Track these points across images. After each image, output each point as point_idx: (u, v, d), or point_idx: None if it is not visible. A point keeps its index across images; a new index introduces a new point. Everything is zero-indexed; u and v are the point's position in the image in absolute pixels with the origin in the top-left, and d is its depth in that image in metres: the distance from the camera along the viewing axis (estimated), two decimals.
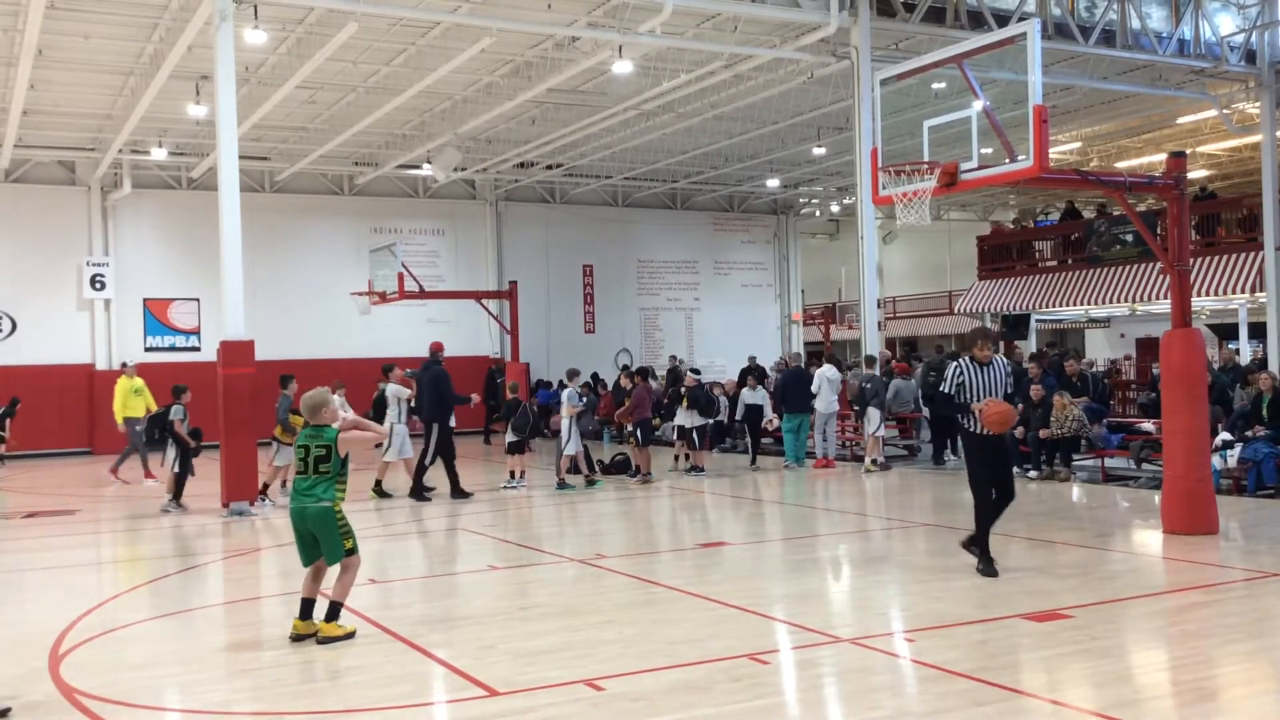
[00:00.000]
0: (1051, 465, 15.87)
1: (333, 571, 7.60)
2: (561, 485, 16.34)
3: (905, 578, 9.58)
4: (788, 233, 36.27)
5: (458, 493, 15.40)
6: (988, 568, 8.99)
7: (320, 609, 7.56)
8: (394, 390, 16.04)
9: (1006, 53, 11.30)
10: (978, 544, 9.19)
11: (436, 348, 16.57)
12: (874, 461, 17.79)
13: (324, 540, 7.45)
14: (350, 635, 7.45)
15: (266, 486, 15.10)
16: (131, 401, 18.61)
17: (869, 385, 17.84)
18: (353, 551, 7.51)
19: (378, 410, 16.16)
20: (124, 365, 20.47)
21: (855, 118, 18.67)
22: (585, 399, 16.73)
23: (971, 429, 9.15)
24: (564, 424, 16.61)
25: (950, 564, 10.22)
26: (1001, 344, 23.35)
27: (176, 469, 14.79)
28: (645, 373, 18.73)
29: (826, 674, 6.61)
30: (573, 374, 17.91)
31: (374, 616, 8.04)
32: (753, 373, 20.98)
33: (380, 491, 15.72)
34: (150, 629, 8.23)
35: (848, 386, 18.90)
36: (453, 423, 16.14)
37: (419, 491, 15.43)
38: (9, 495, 17.49)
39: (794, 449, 18.65)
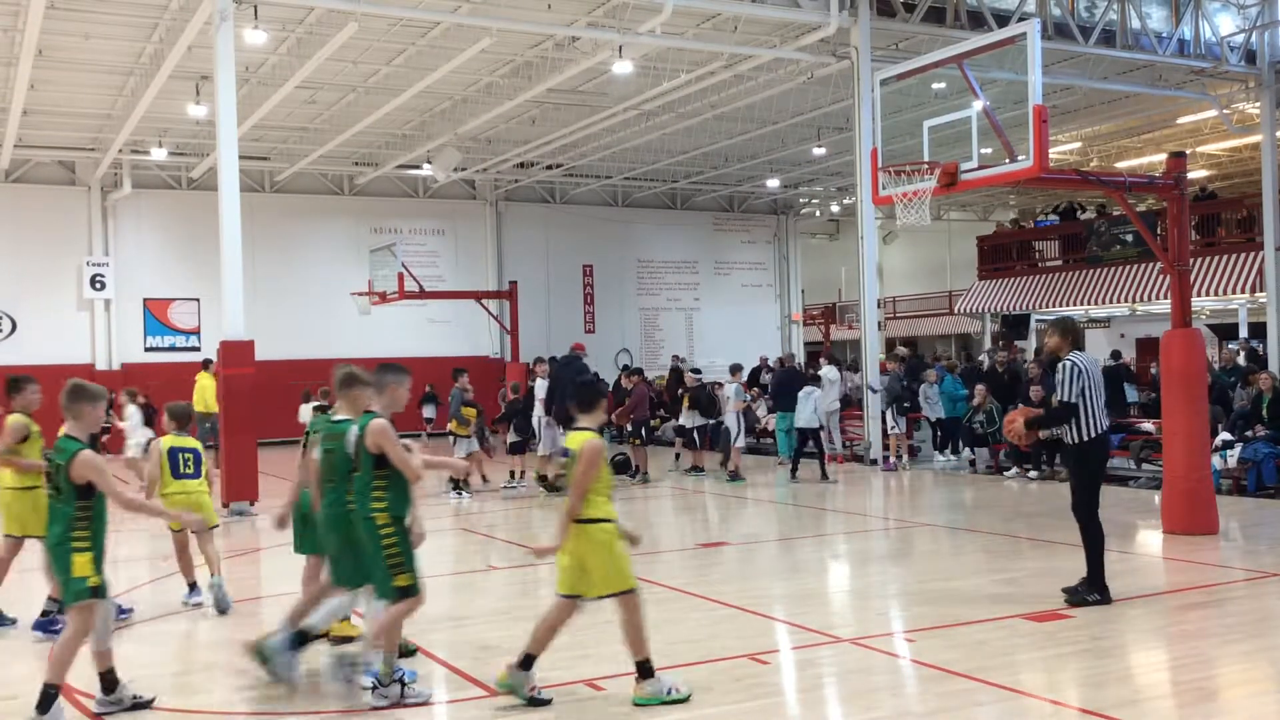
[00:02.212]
0: (1052, 465, 15.88)
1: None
2: (734, 478, 16.68)
3: (905, 578, 9.58)
4: (788, 233, 36.26)
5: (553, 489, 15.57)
6: (1104, 595, 8.04)
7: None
8: (540, 386, 16.23)
9: (1006, 53, 11.31)
10: (1100, 586, 8.05)
11: (578, 348, 16.93)
12: (898, 458, 18.10)
13: (297, 531, 7.46)
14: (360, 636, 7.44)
15: (461, 481, 15.34)
16: (209, 398, 18.68)
17: (905, 385, 17.98)
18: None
19: (528, 403, 16.51)
20: (207, 362, 20.07)
21: (855, 118, 18.66)
22: (749, 395, 17.21)
23: (1086, 437, 8.05)
24: (730, 418, 16.96)
25: (950, 564, 10.23)
26: (1002, 344, 23.30)
27: None
28: (639, 373, 18.84)
29: (826, 674, 6.61)
30: (735, 369, 18.25)
31: None
32: (817, 378, 19.53)
33: (549, 486, 15.77)
34: (149, 629, 8.22)
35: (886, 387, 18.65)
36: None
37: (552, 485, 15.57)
38: None
39: (786, 447, 18.79)
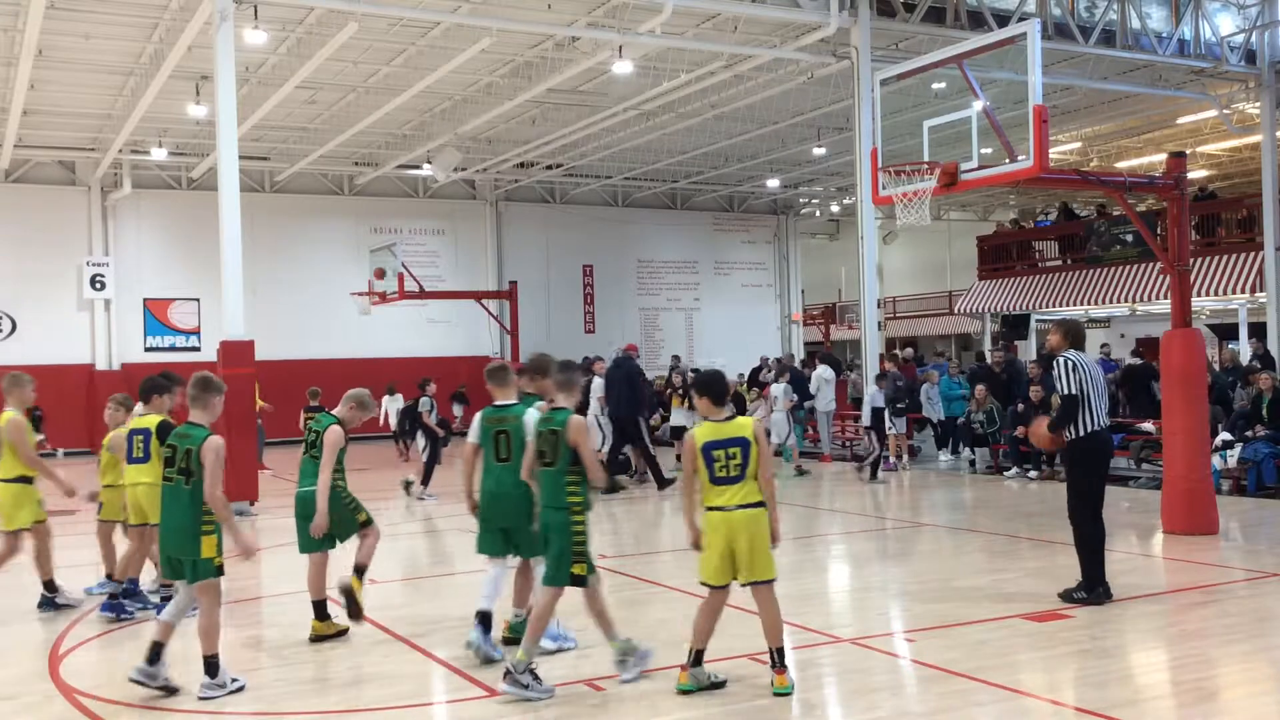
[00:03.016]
0: (1052, 465, 15.88)
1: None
2: (800, 472, 17.15)
3: (905, 578, 9.59)
4: (788, 233, 36.25)
5: (663, 482, 15.79)
6: (1106, 590, 8.10)
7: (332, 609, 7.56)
8: (598, 384, 16.28)
9: (1006, 53, 11.32)
10: (1089, 583, 8.10)
11: (631, 349, 17.09)
12: (898, 458, 18.05)
13: (300, 527, 7.47)
14: (343, 632, 7.47)
15: None
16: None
17: (901, 385, 17.94)
18: (325, 545, 7.47)
19: (584, 401, 16.66)
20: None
21: (855, 118, 18.65)
22: (795, 395, 17.82)
23: (1083, 433, 8.16)
24: (777, 417, 17.25)
25: (951, 564, 10.23)
26: (1003, 344, 23.30)
27: (426, 458, 15.39)
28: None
29: (826, 674, 6.62)
30: (784, 369, 18.54)
31: (374, 616, 8.04)
32: (883, 375, 18.40)
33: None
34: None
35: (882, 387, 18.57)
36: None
37: (614, 483, 15.73)
38: None
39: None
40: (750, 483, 6.02)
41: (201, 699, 6.23)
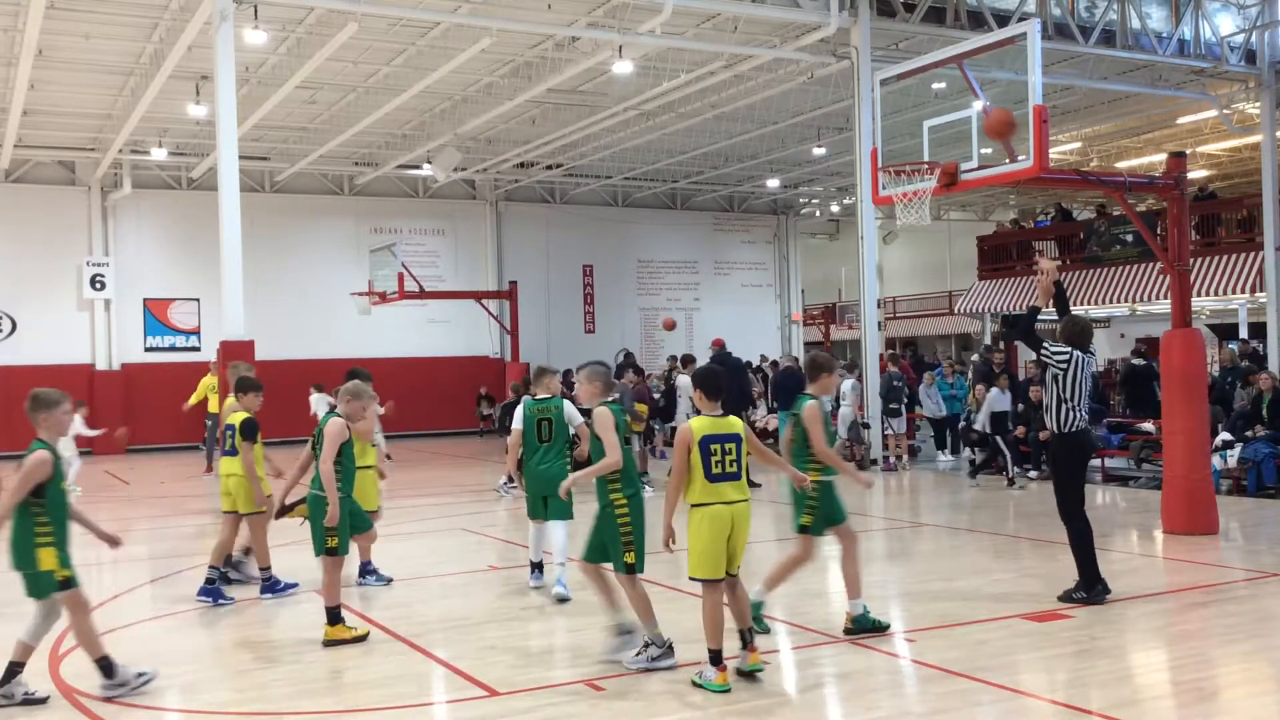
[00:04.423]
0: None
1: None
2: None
3: (905, 578, 9.59)
4: (788, 233, 36.25)
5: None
6: (1104, 586, 8.10)
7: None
8: (684, 383, 16.31)
9: (1006, 53, 11.31)
10: (1086, 582, 8.09)
11: (719, 343, 17.09)
12: (898, 458, 18.07)
13: (312, 530, 7.46)
14: (362, 638, 7.40)
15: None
16: (212, 397, 18.93)
17: (899, 384, 17.91)
18: (334, 551, 7.40)
19: (669, 401, 16.71)
20: (211, 364, 20.48)
21: (855, 118, 18.65)
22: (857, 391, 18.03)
23: (1064, 429, 8.29)
24: (844, 412, 17.42)
25: (950, 564, 10.24)
26: (1002, 345, 23.30)
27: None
28: (640, 372, 18.86)
29: (826, 674, 6.62)
30: (850, 366, 18.65)
31: (374, 617, 8.05)
32: (1001, 373, 17.55)
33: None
34: (150, 629, 8.23)
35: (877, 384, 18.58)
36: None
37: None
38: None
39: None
40: (744, 478, 6.25)
41: (107, 699, 6.24)
